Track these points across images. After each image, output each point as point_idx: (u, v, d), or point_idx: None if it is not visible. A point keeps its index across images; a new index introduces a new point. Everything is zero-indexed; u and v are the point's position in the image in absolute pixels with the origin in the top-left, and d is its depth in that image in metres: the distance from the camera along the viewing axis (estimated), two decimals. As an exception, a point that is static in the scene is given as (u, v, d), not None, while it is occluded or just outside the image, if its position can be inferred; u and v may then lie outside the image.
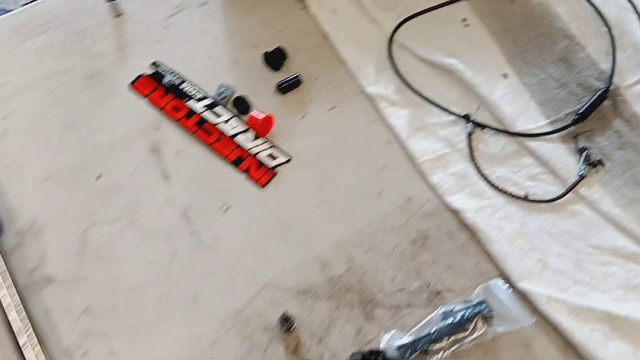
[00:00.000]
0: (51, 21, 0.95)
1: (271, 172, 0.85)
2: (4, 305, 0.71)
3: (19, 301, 0.72)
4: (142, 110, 0.89)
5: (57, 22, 0.95)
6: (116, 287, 0.76)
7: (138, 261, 0.78)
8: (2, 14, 0.95)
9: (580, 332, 0.74)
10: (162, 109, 0.89)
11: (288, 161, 0.86)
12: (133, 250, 0.79)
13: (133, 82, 0.91)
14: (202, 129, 0.87)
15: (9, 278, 0.73)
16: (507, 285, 0.77)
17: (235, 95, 0.90)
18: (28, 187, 0.82)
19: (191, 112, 0.89)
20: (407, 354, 0.71)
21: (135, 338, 0.74)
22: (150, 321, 0.75)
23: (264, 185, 0.84)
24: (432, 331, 0.73)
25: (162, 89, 0.90)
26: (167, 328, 0.74)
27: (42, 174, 0.83)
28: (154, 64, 0.92)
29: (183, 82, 0.91)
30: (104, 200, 0.82)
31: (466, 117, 0.90)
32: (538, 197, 0.84)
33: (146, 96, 0.90)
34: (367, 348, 0.74)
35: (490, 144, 0.89)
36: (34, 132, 0.86)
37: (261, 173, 0.85)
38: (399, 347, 0.72)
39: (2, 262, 0.73)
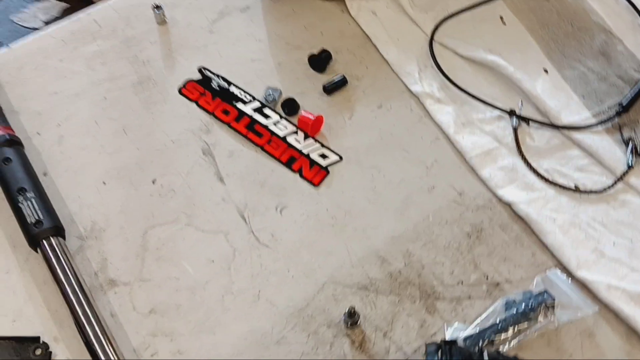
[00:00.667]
0: (100, 30, 0.96)
1: (324, 171, 0.86)
2: (75, 307, 0.71)
3: (87, 303, 0.72)
4: (192, 114, 0.90)
5: (106, 31, 0.96)
6: (179, 287, 0.77)
7: (198, 261, 0.79)
8: (29, 33, 0.97)
9: (643, 319, 0.74)
10: (211, 112, 0.90)
11: (339, 160, 0.87)
12: (193, 250, 0.80)
13: (182, 87, 0.92)
14: (252, 131, 0.89)
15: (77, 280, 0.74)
16: (566, 274, 0.78)
17: (283, 97, 0.91)
18: (86, 192, 0.83)
19: (241, 115, 0.90)
20: (474, 344, 0.72)
21: (201, 336, 0.74)
22: (214, 319, 0.75)
23: (318, 184, 0.85)
24: (497, 322, 0.74)
25: (210, 93, 0.92)
26: (232, 325, 0.75)
27: (99, 179, 0.84)
28: (201, 69, 0.94)
29: (230, 85, 0.92)
30: (161, 203, 0.83)
31: (511, 112, 0.91)
32: (588, 188, 0.86)
33: (195, 100, 0.91)
34: (431, 341, 0.74)
35: (536, 137, 0.90)
36: (88, 137, 0.87)
37: (314, 172, 0.86)
38: (465, 339, 0.73)
39: (69, 265, 0.74)
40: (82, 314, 0.70)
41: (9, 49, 0.95)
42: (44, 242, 0.74)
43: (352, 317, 0.73)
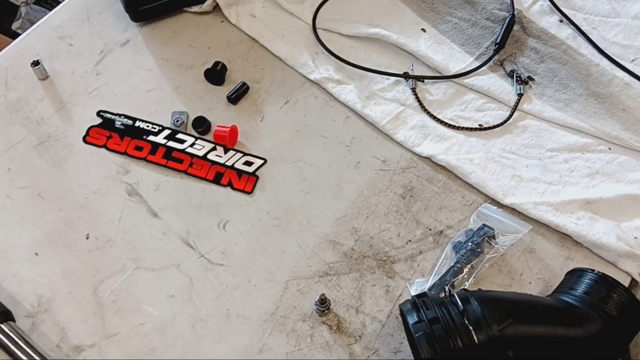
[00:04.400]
0: (-21, 101, 0.91)
1: (253, 177, 0.87)
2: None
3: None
4: (105, 159, 0.88)
5: (-14, 100, 0.91)
6: (147, 330, 0.76)
7: (159, 299, 0.78)
8: None
9: (570, 223, 0.83)
10: (124, 152, 0.88)
11: (264, 163, 0.89)
12: (150, 291, 0.79)
13: (85, 136, 0.89)
14: (171, 159, 0.88)
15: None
16: (496, 205, 0.85)
17: (191, 118, 0.91)
18: (20, 269, 0.79)
19: (155, 147, 0.89)
20: (440, 291, 0.77)
21: (185, 371, 0.74)
22: (193, 350, 0.75)
23: (251, 191, 0.86)
24: (451, 265, 0.80)
25: (116, 134, 0.90)
26: (212, 351, 0.75)
27: (30, 251, 0.80)
28: (99, 112, 0.91)
29: (135, 121, 0.91)
30: (102, 255, 0.81)
31: (405, 75, 0.97)
32: (491, 124, 0.93)
33: (103, 145, 0.89)
34: (399, 302, 0.79)
35: (433, 92, 0.97)
36: (3, 212, 0.83)
37: (244, 181, 0.87)
38: (430, 289, 0.78)
39: (28, 345, 0.71)
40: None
41: None
42: (-5, 331, 0.71)
43: (323, 304, 0.76)
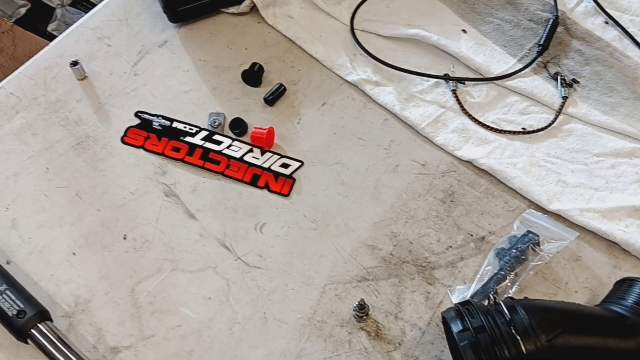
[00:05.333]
0: (19, 102, 0.92)
1: (290, 180, 0.86)
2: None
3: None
4: (143, 160, 0.88)
5: (26, 101, 0.92)
6: (184, 333, 0.75)
7: (196, 302, 0.77)
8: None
9: (618, 231, 0.80)
10: (162, 153, 0.88)
11: (301, 165, 0.88)
12: (187, 293, 0.78)
13: (123, 136, 0.89)
14: (208, 160, 0.88)
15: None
16: (541, 211, 0.83)
17: (228, 120, 0.90)
18: (58, 269, 0.79)
19: (192, 148, 0.88)
20: (483, 299, 0.75)
21: (222, 375, 0.73)
22: (230, 353, 0.74)
23: (288, 194, 0.85)
24: (494, 272, 0.77)
25: (154, 134, 0.90)
26: (250, 354, 0.74)
27: (68, 251, 0.80)
28: (137, 113, 0.91)
29: (172, 122, 0.91)
30: (139, 256, 0.80)
31: (446, 77, 0.95)
32: (534, 128, 0.91)
33: (141, 146, 0.89)
34: (439, 309, 0.77)
35: (474, 94, 0.95)
36: (42, 213, 0.83)
37: (281, 183, 0.86)
38: (472, 297, 0.76)
39: (66, 346, 0.70)
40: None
41: None
42: (33, 331, 0.70)
43: (362, 310, 0.74)
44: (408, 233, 0.82)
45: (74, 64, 0.93)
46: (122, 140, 0.89)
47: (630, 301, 0.70)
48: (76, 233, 0.82)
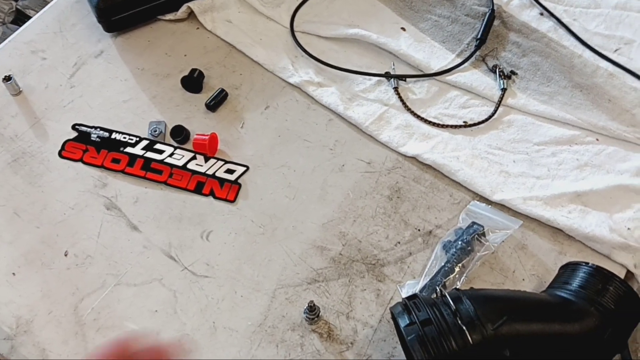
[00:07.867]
0: (-51, 119, 0.89)
1: (236, 186, 0.85)
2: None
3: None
4: (82, 174, 0.85)
5: (-43, 119, 0.89)
6: (131, 349, 0.73)
7: (142, 316, 0.75)
8: None
9: (561, 217, 0.81)
10: (101, 165, 0.86)
11: (247, 170, 0.87)
12: (132, 307, 0.76)
13: (61, 150, 0.87)
14: (150, 170, 0.86)
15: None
16: (484, 202, 0.83)
17: (169, 128, 0.89)
18: (-4, 290, 0.76)
19: (132, 158, 0.86)
20: (432, 292, 0.75)
21: (172, 388, 0.71)
22: (180, 366, 0.72)
23: (234, 200, 0.84)
24: (442, 265, 0.77)
25: (92, 147, 0.87)
26: (199, 366, 0.73)
27: (7, 272, 0.77)
28: (75, 126, 0.89)
29: (111, 133, 0.89)
30: (81, 272, 0.78)
31: (387, 75, 0.95)
32: (475, 121, 0.92)
33: (79, 159, 0.86)
34: (390, 305, 0.77)
35: (416, 90, 0.95)
36: (-23, 234, 0.80)
37: (226, 189, 0.85)
38: (421, 291, 0.76)
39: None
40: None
41: None
42: (-31, 357, 0.68)
43: (313, 312, 0.74)
44: (356, 232, 0.82)
45: (7, 79, 0.90)
46: (60, 155, 0.87)
47: (575, 285, 0.71)
48: (15, 252, 0.79)
